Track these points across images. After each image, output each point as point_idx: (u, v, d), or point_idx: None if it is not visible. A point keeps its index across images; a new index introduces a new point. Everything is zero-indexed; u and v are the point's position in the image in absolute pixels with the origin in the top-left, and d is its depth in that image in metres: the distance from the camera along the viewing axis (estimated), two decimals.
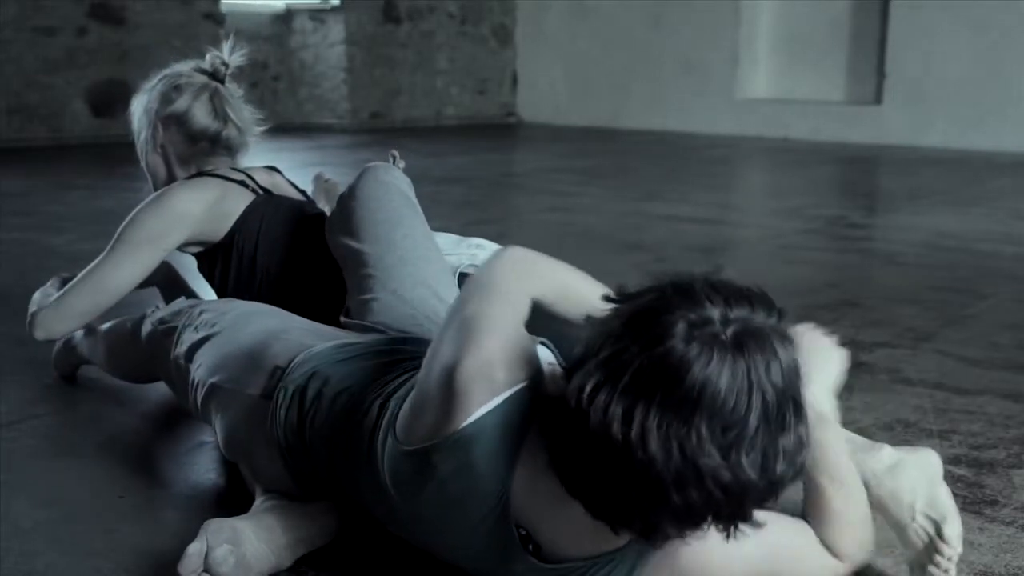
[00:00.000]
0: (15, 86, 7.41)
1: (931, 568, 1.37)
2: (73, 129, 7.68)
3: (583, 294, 1.38)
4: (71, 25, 7.60)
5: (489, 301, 1.29)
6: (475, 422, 1.20)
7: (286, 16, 9.51)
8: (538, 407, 1.19)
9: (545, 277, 1.39)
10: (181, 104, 2.12)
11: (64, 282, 2.21)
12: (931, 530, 1.37)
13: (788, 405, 1.07)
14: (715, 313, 1.06)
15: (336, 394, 1.45)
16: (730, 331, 1.05)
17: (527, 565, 1.22)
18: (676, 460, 1.03)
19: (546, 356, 1.33)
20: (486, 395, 1.20)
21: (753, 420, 1.04)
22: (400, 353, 1.53)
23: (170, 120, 2.13)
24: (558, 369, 1.25)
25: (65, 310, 2.04)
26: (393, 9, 9.52)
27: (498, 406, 1.20)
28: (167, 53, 7.79)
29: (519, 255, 1.40)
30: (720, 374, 1.03)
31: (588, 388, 1.06)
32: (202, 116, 2.14)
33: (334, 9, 9.28)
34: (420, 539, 1.36)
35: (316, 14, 9.39)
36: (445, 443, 1.21)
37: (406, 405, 1.30)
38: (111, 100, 7.52)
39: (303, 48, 9.52)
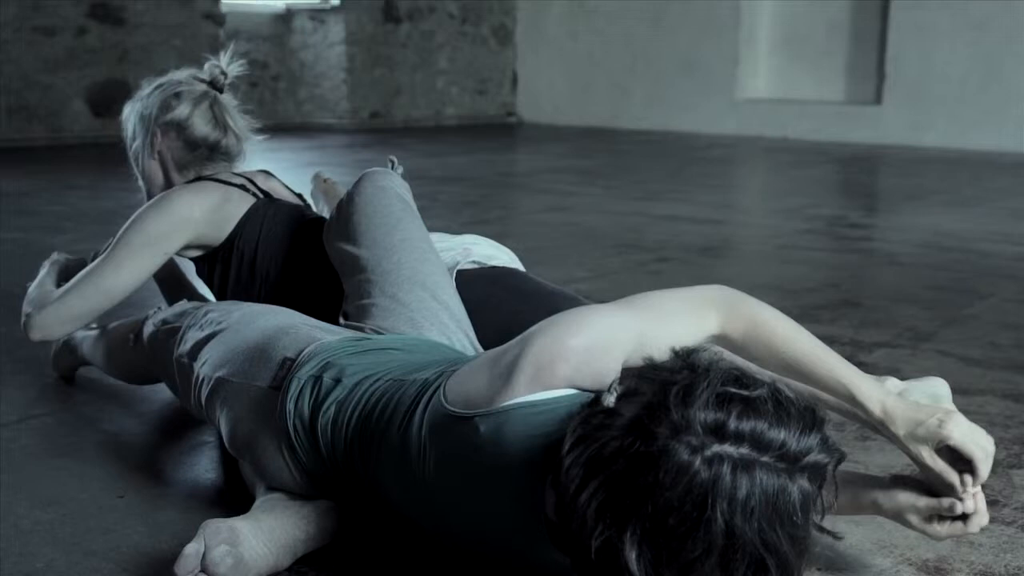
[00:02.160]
0: (15, 86, 7.41)
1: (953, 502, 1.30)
2: (73, 129, 7.68)
3: (785, 341, 1.33)
4: (71, 25, 7.60)
5: (628, 311, 1.29)
6: (518, 404, 1.20)
7: (286, 16, 9.52)
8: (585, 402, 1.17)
9: (739, 318, 1.33)
10: (181, 112, 2.13)
11: (61, 271, 2.20)
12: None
13: (743, 553, 0.98)
14: (710, 420, 1.00)
15: (358, 382, 1.45)
16: (714, 448, 1.00)
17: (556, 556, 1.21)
18: (602, 545, 1.02)
19: None
20: (537, 385, 1.20)
21: (695, 548, 0.99)
22: (419, 350, 1.55)
23: (169, 127, 2.13)
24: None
25: (64, 312, 2.03)
26: (393, 9, 9.52)
27: (542, 401, 1.20)
28: (167, 53, 7.88)
29: (714, 293, 1.35)
30: (676, 486, 0.99)
31: (567, 443, 1.07)
32: (202, 124, 2.14)
33: (334, 9, 9.29)
34: (440, 521, 1.34)
35: (316, 14, 9.39)
36: (486, 416, 1.21)
37: (464, 367, 1.31)
38: (111, 100, 7.52)
39: (303, 48, 9.53)
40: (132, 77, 7.42)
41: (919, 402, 1.37)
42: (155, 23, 7.99)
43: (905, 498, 1.34)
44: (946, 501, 1.30)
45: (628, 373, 1.12)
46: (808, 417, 1.05)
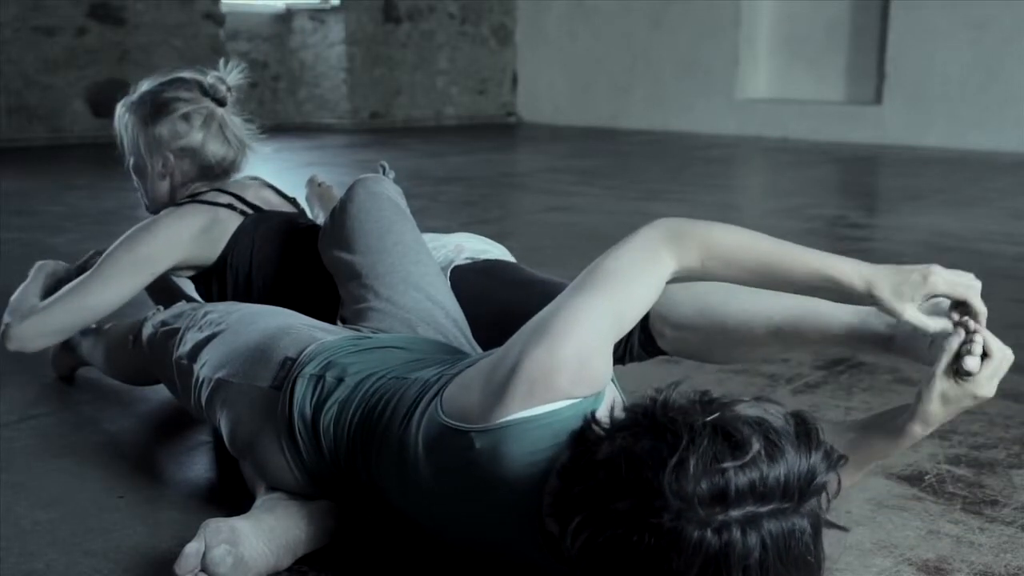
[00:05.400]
0: (15, 86, 7.41)
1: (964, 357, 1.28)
2: (73, 129, 7.69)
3: (745, 251, 1.34)
4: (71, 25, 7.60)
5: (598, 294, 1.27)
6: (515, 421, 1.19)
7: (286, 16, 9.52)
8: (573, 438, 1.16)
9: (690, 247, 1.33)
10: (195, 138, 2.11)
11: (49, 277, 2.19)
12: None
13: None
14: (707, 492, 0.98)
15: (360, 380, 1.45)
16: (719, 518, 0.98)
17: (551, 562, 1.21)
18: None
19: (610, 390, 1.30)
20: (533, 400, 1.19)
21: None
22: (420, 349, 1.56)
23: (184, 153, 2.12)
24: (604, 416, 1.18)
25: (45, 325, 2.03)
26: (393, 9, 9.52)
27: (537, 416, 1.19)
28: (167, 53, 7.88)
29: (658, 232, 1.34)
30: (692, 567, 0.98)
31: (574, 524, 1.05)
32: (216, 148, 2.14)
33: (334, 9, 9.29)
34: (439, 522, 1.35)
35: (316, 14, 9.39)
36: (482, 432, 1.21)
37: (461, 376, 1.31)
38: (111, 100, 7.45)
39: (303, 48, 9.53)
40: (132, 77, 7.39)
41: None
42: (155, 23, 7.99)
43: (929, 392, 1.29)
44: (953, 343, 1.28)
45: (615, 425, 1.11)
46: (803, 439, 1.03)
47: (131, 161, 2.19)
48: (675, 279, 1.37)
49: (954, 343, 1.29)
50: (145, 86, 2.17)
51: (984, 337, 1.29)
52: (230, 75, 2.17)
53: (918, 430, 1.32)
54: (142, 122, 2.13)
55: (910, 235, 4.19)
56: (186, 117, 2.11)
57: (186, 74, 2.17)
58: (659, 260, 1.32)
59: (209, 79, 2.15)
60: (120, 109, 2.18)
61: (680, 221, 1.36)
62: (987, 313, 1.32)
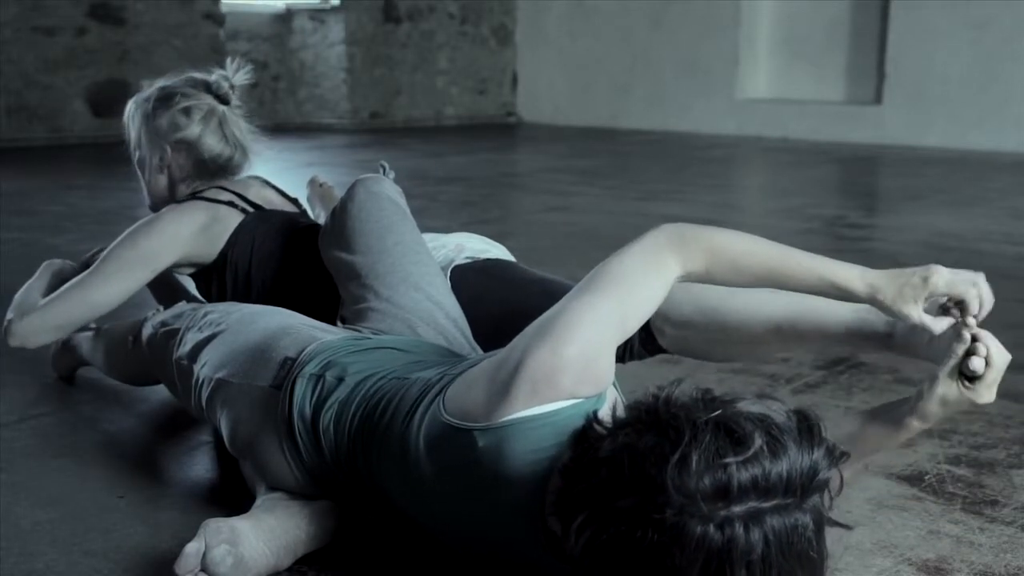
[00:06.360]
0: (15, 86, 7.41)
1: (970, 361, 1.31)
2: (73, 129, 7.69)
3: (749, 257, 1.34)
4: (71, 25, 7.60)
5: (602, 296, 1.27)
6: (518, 420, 1.19)
7: (286, 16, 9.52)
8: (575, 437, 1.16)
9: (695, 251, 1.34)
10: (192, 131, 2.13)
11: (55, 275, 2.20)
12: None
13: None
14: (710, 487, 0.98)
15: (361, 380, 1.45)
16: (721, 513, 0.98)
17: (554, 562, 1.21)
18: None
19: (611, 393, 1.30)
20: (537, 399, 1.20)
21: None
22: (420, 351, 1.56)
23: (181, 145, 2.14)
24: (605, 415, 1.17)
25: (46, 321, 2.04)
26: (393, 9, 9.53)
27: (540, 415, 1.20)
28: (167, 53, 7.88)
29: (664, 237, 1.35)
30: (695, 563, 0.98)
31: (577, 522, 1.05)
32: (213, 143, 2.15)
33: (334, 9, 9.29)
34: (440, 522, 1.35)
35: (316, 14, 9.40)
36: (485, 430, 1.21)
37: (464, 376, 1.31)
38: (111, 100, 7.52)
39: (303, 48, 9.53)
40: (132, 77, 7.43)
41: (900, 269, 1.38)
42: (155, 23, 7.99)
43: (931, 392, 1.33)
44: (959, 348, 1.31)
45: (617, 425, 1.10)
46: (806, 435, 1.03)
47: (136, 156, 2.20)
48: (679, 283, 1.38)
49: (959, 348, 1.30)
50: (158, 83, 2.19)
51: (987, 341, 1.31)
52: (235, 75, 2.18)
53: (916, 424, 1.35)
54: (145, 116, 2.16)
55: (910, 235, 4.19)
56: (186, 111, 2.13)
57: (196, 73, 2.21)
58: (664, 264, 1.33)
59: (213, 77, 2.17)
60: (130, 105, 2.21)
61: (685, 226, 1.36)
62: (981, 311, 1.35)
